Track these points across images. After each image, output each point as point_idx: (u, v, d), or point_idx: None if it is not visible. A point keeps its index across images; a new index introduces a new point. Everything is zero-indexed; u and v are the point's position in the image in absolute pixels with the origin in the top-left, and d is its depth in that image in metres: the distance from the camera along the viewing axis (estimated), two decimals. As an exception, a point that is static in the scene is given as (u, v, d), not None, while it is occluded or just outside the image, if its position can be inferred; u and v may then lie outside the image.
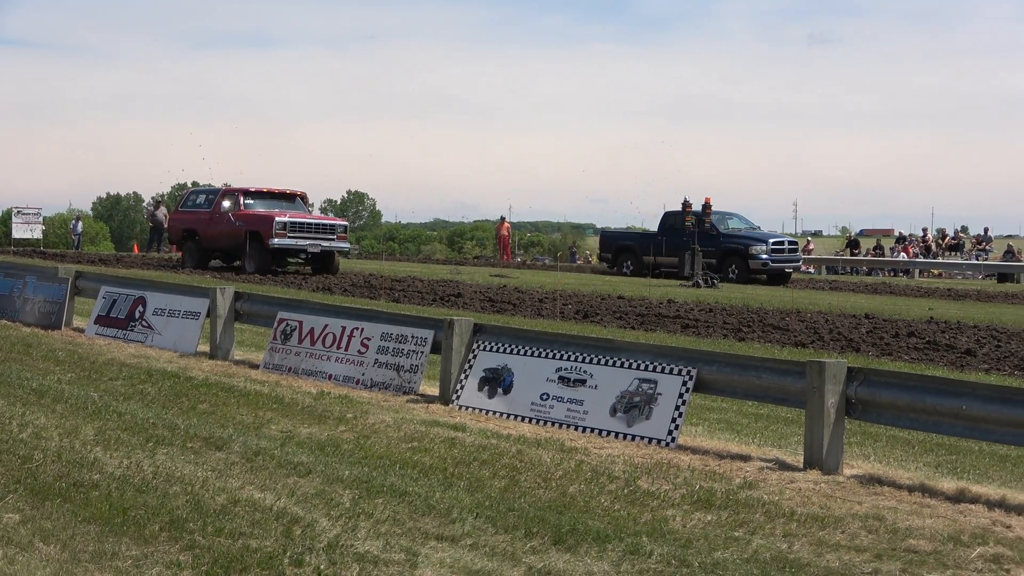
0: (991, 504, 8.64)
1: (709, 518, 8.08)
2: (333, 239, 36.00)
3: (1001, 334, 22.07)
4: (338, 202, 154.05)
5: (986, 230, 61.23)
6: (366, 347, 13.58)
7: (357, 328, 13.82)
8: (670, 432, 10.51)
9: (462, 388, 12.34)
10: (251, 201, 36.63)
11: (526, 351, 12.00)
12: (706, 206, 41.59)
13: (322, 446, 10.08)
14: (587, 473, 9.29)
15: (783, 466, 9.83)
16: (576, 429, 11.10)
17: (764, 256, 41.00)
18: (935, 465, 10.41)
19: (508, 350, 12.17)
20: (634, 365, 11.03)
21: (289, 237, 34.99)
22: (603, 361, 11.31)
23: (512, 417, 11.67)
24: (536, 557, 7.04)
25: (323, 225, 36.37)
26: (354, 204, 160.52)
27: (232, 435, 10.34)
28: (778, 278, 41.01)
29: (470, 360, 12.43)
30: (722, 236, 41.70)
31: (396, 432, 10.81)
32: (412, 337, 13.20)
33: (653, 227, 46.29)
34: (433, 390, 12.86)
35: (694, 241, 39.59)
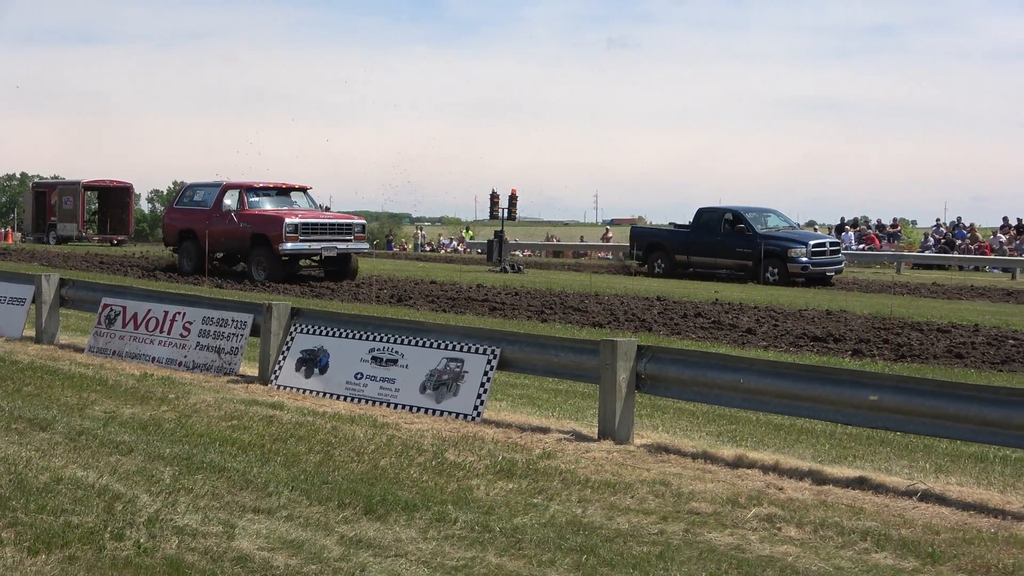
0: (766, 469, 8.92)
1: (511, 486, 8.16)
2: (350, 240, 30.65)
3: (778, 315, 22.68)
4: (165, 193, 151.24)
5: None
6: (188, 331, 13.35)
7: (179, 312, 13.58)
8: (476, 407, 10.59)
9: (280, 369, 12.22)
10: (256, 198, 30.81)
11: (341, 333, 11.94)
12: (512, 197, 41.35)
13: (144, 425, 9.89)
14: (398, 447, 9.30)
15: (579, 437, 9.98)
16: (388, 406, 11.09)
17: (804, 259, 35.75)
18: (717, 434, 10.68)
19: (324, 332, 12.09)
20: (443, 345, 11.07)
21: (301, 240, 29.44)
22: (414, 342, 11.32)
23: (328, 396, 11.62)
24: (348, 527, 7.03)
25: (339, 225, 30.73)
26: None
27: (56, 416, 10.08)
28: (818, 281, 35.59)
29: (288, 342, 12.32)
30: (759, 236, 36.48)
31: (216, 411, 10.66)
32: (232, 321, 13.03)
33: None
34: (253, 371, 12.72)
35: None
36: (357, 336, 11.78)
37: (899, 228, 58.23)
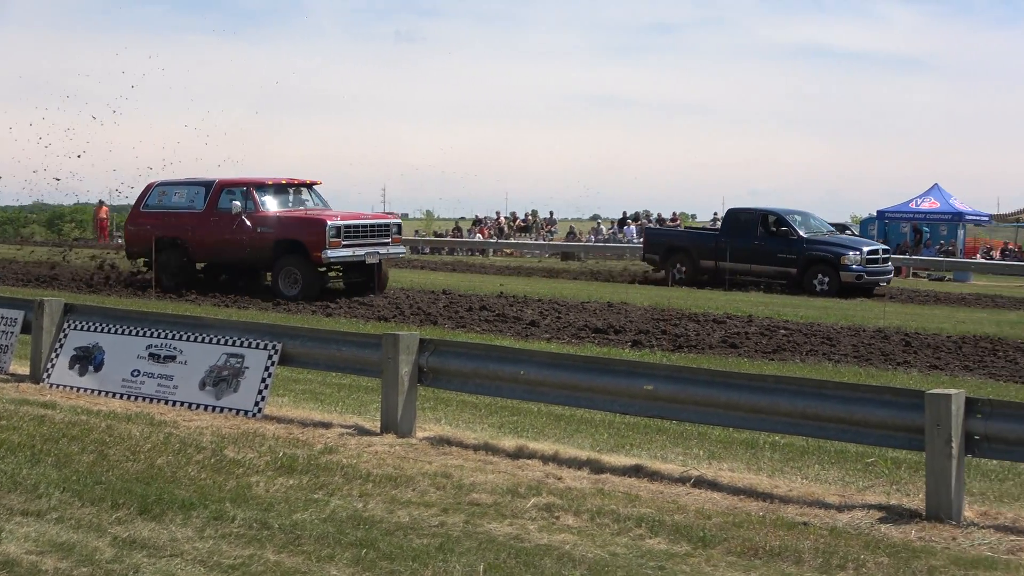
0: (546, 459, 9.05)
1: (291, 482, 8.09)
2: (389, 243, 25.25)
3: (562, 307, 23.01)
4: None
5: (551, 213, 63.83)
6: (-46, 328, 12.76)
7: (-56, 310, 12.98)
8: (257, 403, 10.45)
9: (53, 367, 11.83)
10: (267, 197, 25.05)
11: (117, 330, 11.62)
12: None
13: (-95, 428, 9.46)
14: (175, 445, 9.11)
15: (362, 431, 9.95)
16: (167, 403, 10.86)
17: (858, 267, 31.24)
18: (499, 426, 10.78)
19: (100, 329, 11.75)
20: (223, 341, 10.89)
21: (344, 246, 24.05)
22: (193, 338, 11.10)
23: (103, 394, 11.29)
24: (122, 527, 6.87)
25: (380, 227, 25.45)
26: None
27: None
28: (860, 291, 31.02)
29: (61, 339, 11.93)
30: (805, 241, 31.85)
31: (-16, 412, 10.26)
32: (2, 319, 12.54)
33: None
34: (24, 369, 12.28)
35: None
36: (134, 332, 11.49)
37: (679, 222, 59.73)
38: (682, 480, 8.49)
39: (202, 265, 26.23)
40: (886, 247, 35.44)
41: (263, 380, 10.55)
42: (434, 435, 9.91)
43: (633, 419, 10.65)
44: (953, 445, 7.59)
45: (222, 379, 10.69)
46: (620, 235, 53.92)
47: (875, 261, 31.94)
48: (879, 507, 7.88)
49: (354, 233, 24.24)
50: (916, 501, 7.97)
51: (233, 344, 10.81)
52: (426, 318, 20.67)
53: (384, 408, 9.95)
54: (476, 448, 9.41)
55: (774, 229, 32.48)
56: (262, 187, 25.09)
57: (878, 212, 44.92)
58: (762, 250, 32.24)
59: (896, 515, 7.69)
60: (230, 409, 10.51)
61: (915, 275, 41.86)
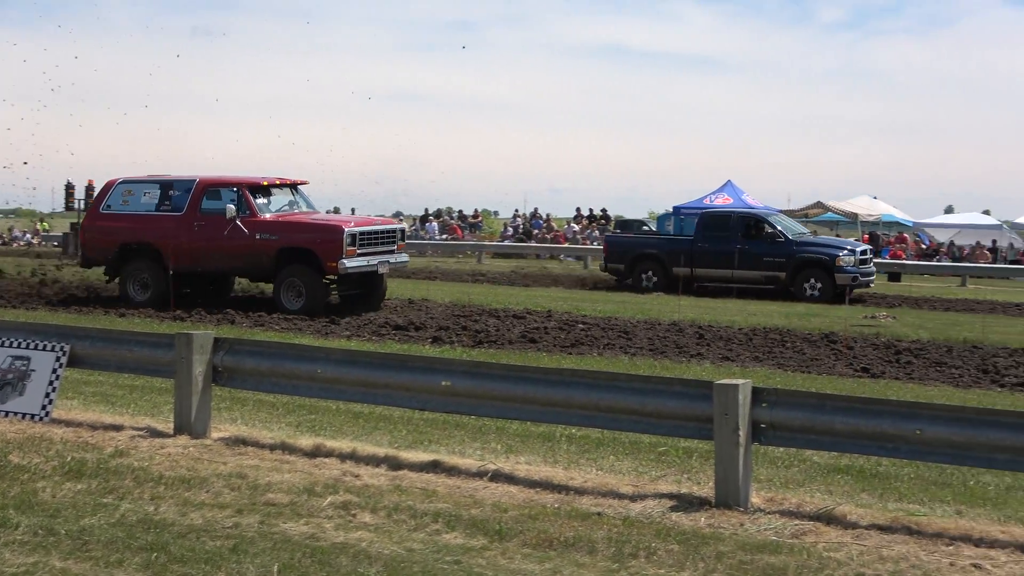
0: (343, 457, 9.01)
1: (79, 487, 7.87)
2: (394, 251, 22.97)
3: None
4: None
5: (353, 211, 63.62)
6: None
7: None
8: (44, 407, 10.13)
9: None
10: (261, 199, 22.16)
11: None
12: (89, 188, 39.46)
13: None
14: (-44, 452, 8.78)
15: (155, 433, 9.74)
16: (-53, 409, 10.44)
17: (852, 268, 29.44)
18: (296, 424, 10.69)
19: None
20: (7, 343, 10.52)
21: (359, 255, 21.61)
22: (-24, 340, 10.70)
23: None
24: None
25: (390, 233, 23.04)
26: None
27: None
28: (841, 296, 27.97)
29: None
30: (794, 243, 30.02)
31: None
32: None
33: None
34: None
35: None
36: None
37: (480, 219, 60.13)
38: (480, 474, 8.55)
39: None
40: (872, 247, 34.07)
41: (51, 383, 10.23)
42: (230, 435, 9.76)
43: (432, 415, 10.67)
44: (740, 434, 7.83)
45: (7, 383, 10.32)
46: (423, 232, 53.94)
47: (865, 263, 30.45)
48: (671, 496, 8.09)
49: (368, 240, 21.87)
50: (706, 489, 8.20)
51: (18, 346, 10.45)
52: (224, 317, 20.31)
53: (178, 409, 9.76)
54: (273, 448, 9.30)
55: (755, 232, 30.48)
56: (255, 188, 22.08)
57: (674, 208, 45.88)
58: (746, 254, 30.08)
59: (687, 503, 7.90)
60: (15, 413, 10.16)
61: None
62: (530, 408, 8.83)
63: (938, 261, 46.28)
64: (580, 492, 8.16)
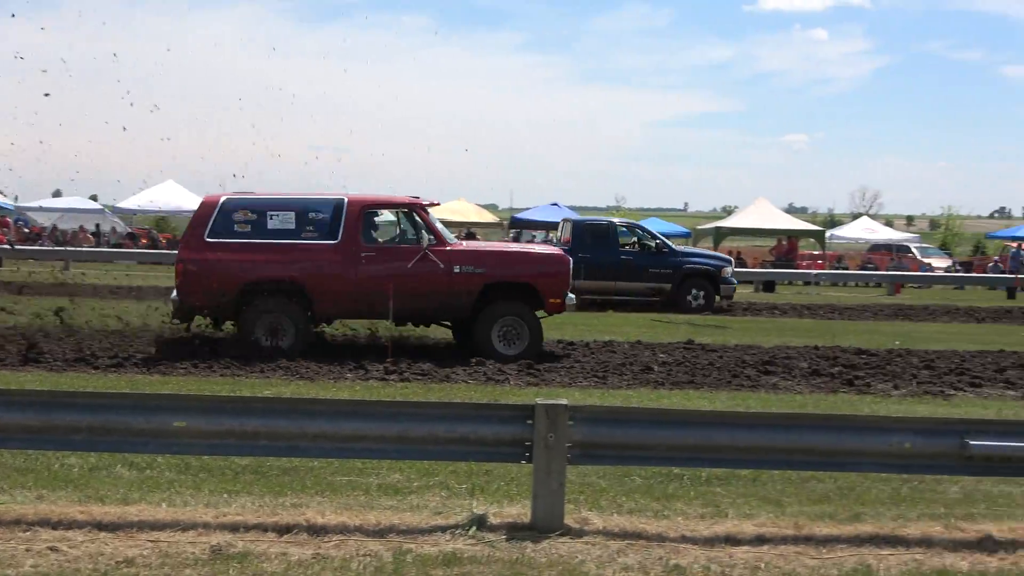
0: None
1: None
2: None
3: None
4: None
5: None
6: None
7: None
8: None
9: None
10: (436, 223, 17.92)
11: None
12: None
13: None
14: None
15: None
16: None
17: (734, 280, 30.49)
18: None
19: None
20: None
21: None
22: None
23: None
24: None
25: None
26: None
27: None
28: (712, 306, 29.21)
29: None
30: (680, 255, 30.18)
31: None
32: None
33: None
34: None
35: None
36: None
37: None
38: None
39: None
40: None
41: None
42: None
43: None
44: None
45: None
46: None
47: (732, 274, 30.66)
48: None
49: None
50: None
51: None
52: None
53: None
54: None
55: (639, 244, 30.11)
56: (424, 209, 17.52)
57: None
58: (630, 267, 29.31)
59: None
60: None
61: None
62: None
63: (41, 245, 46.01)
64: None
